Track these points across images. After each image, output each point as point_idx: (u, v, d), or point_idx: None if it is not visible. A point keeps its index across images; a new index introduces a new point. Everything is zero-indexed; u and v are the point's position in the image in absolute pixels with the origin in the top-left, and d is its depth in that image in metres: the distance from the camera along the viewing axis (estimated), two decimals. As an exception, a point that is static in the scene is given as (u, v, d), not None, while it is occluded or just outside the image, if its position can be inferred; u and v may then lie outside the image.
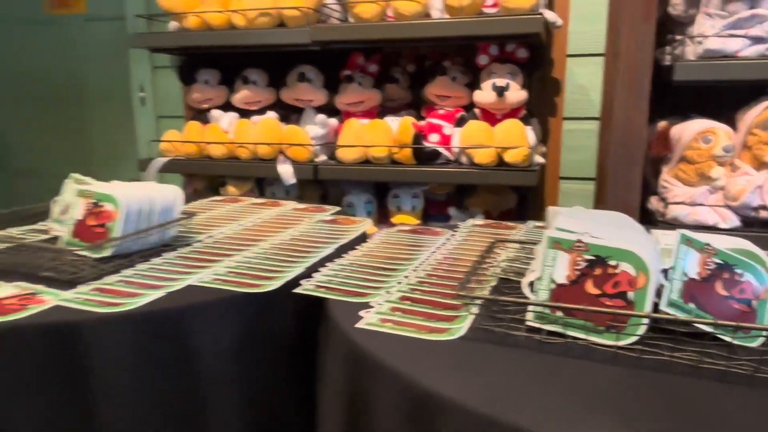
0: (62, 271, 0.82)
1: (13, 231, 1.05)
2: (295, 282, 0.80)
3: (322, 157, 1.65)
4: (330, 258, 0.91)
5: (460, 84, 1.60)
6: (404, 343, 0.62)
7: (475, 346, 0.61)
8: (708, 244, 0.65)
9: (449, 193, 1.73)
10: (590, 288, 0.63)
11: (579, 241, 0.64)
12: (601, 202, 1.55)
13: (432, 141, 1.55)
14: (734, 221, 1.22)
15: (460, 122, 1.53)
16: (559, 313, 0.63)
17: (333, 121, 1.69)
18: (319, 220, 1.16)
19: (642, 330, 0.61)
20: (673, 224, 1.26)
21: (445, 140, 1.55)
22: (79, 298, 0.73)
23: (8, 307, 0.70)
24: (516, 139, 1.43)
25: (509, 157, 1.42)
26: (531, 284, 0.66)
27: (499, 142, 1.44)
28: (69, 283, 0.78)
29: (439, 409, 0.51)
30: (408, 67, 1.80)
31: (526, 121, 1.50)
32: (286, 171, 1.61)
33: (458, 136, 1.50)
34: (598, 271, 0.63)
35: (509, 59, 1.52)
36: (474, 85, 1.57)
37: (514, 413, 0.48)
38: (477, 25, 1.40)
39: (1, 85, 2.62)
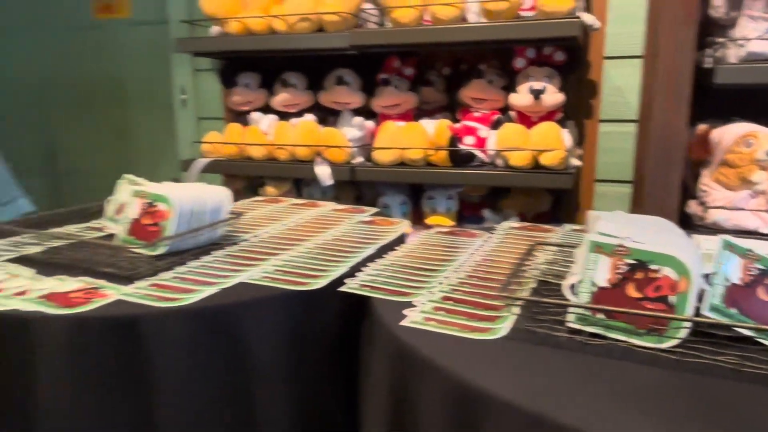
0: (120, 267, 0.86)
1: (71, 228, 1.11)
2: (339, 280, 0.83)
3: (359, 159, 1.69)
4: (371, 258, 0.94)
5: (496, 87, 1.61)
6: (448, 341, 0.64)
7: (518, 345, 0.63)
8: (750, 250, 0.66)
9: (483, 195, 1.75)
10: (631, 291, 0.64)
11: (620, 245, 0.65)
12: (638, 205, 1.55)
13: (467, 143, 1.57)
14: (776, 226, 1.21)
15: (495, 125, 1.54)
16: (601, 316, 0.64)
17: (370, 124, 1.72)
18: (358, 221, 1.20)
19: (683, 333, 0.62)
20: (712, 229, 1.25)
21: (481, 143, 1.56)
22: (139, 292, 0.77)
23: (75, 300, 0.75)
24: (552, 142, 1.44)
25: (545, 159, 1.42)
26: (572, 287, 0.67)
27: (535, 144, 1.45)
28: (127, 279, 0.82)
29: (484, 405, 0.54)
30: (443, 70, 1.82)
31: (562, 123, 1.51)
32: (323, 172, 1.65)
33: (494, 139, 1.52)
34: (639, 275, 0.64)
35: (546, 62, 1.53)
36: (510, 88, 1.59)
37: (560, 411, 0.50)
38: (514, 29, 1.41)
39: (49, 88, 2.74)
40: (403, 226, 1.15)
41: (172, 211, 0.91)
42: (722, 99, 1.34)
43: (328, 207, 1.34)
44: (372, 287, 0.80)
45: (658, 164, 1.26)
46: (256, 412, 0.78)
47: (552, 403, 0.51)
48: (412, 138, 1.59)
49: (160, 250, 0.92)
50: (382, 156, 1.61)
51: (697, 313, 0.63)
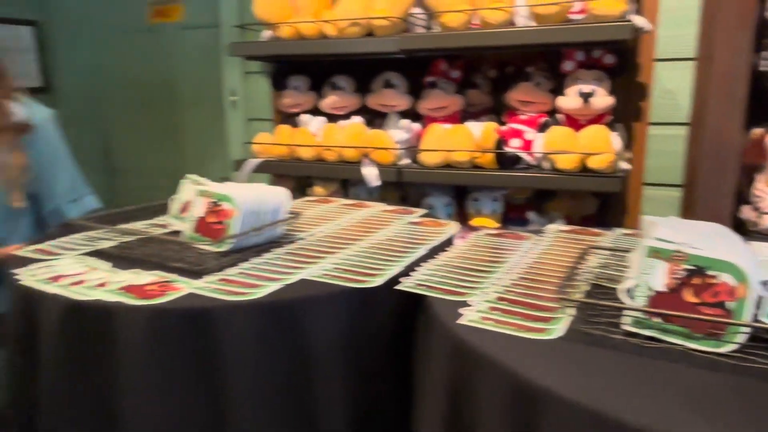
0: (189, 262, 0.92)
1: (138, 224, 1.17)
2: (394, 279, 0.86)
3: (405, 161, 1.72)
4: (424, 258, 0.97)
5: (543, 90, 1.62)
6: (506, 339, 0.67)
7: (574, 346, 0.65)
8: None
9: (528, 197, 1.75)
10: (689, 296, 0.65)
11: (678, 251, 0.66)
12: (689, 209, 1.53)
13: (513, 146, 1.58)
14: (835, 233, 1.19)
15: (543, 127, 1.55)
16: (657, 319, 0.66)
17: (416, 126, 1.75)
18: (407, 222, 1.23)
19: (741, 339, 0.63)
20: (767, 235, 1.23)
21: (527, 145, 1.57)
22: (209, 286, 0.82)
23: (151, 292, 0.80)
24: (601, 145, 1.44)
25: (593, 163, 1.42)
26: (628, 290, 0.69)
27: (584, 147, 1.45)
28: (196, 273, 0.88)
29: (546, 403, 0.56)
30: (489, 72, 1.83)
31: (611, 126, 1.51)
32: (371, 173, 1.69)
33: (541, 142, 1.53)
34: (697, 281, 0.65)
35: (595, 65, 1.53)
36: (557, 90, 1.59)
37: (621, 410, 0.52)
38: (564, 32, 1.42)
39: (106, 89, 2.87)
40: (453, 227, 1.18)
41: (236, 210, 0.96)
42: (779, 103, 1.32)
43: (377, 208, 1.38)
44: (427, 286, 0.83)
45: (711, 169, 1.25)
46: (316, 404, 0.82)
47: (613, 402, 0.53)
48: (459, 140, 1.61)
49: (225, 247, 0.97)
50: (428, 158, 1.64)
51: (755, 319, 0.64)
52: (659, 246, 0.67)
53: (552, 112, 1.60)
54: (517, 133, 1.59)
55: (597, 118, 1.52)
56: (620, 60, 1.54)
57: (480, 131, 1.61)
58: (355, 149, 1.72)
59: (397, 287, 0.84)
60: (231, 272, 0.88)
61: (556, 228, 1.17)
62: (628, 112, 1.70)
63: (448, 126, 1.67)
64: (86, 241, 1.04)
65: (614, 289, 0.79)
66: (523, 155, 1.56)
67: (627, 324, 0.67)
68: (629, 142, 1.71)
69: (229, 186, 1.04)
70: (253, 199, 0.99)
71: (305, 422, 0.82)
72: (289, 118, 1.98)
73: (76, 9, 2.81)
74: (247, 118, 2.42)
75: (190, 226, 1.01)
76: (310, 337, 0.80)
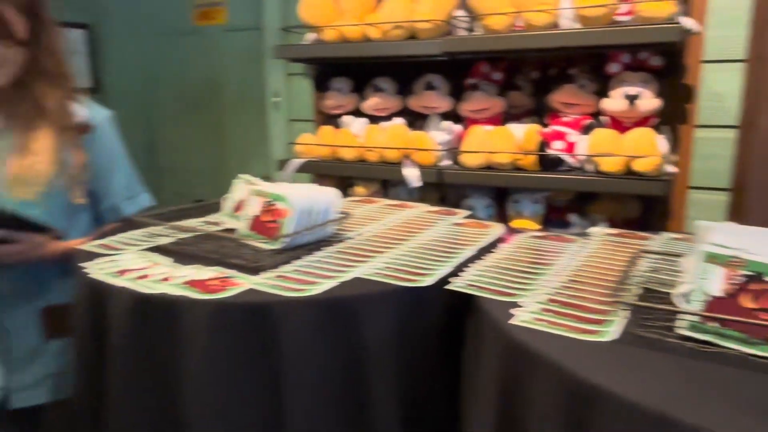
0: (246, 258, 0.96)
1: (192, 222, 1.22)
2: (443, 279, 0.88)
3: (446, 162, 1.73)
4: (471, 259, 0.99)
5: (587, 92, 1.61)
6: (559, 340, 0.68)
7: (629, 348, 0.66)
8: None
9: (569, 200, 1.75)
10: (746, 302, 0.66)
11: (735, 256, 0.67)
12: (738, 213, 1.50)
13: (556, 148, 1.58)
14: None
15: (587, 130, 1.55)
16: (714, 324, 0.66)
17: (458, 128, 1.76)
18: (452, 223, 1.24)
19: (801, 345, 0.63)
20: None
21: (570, 147, 1.57)
22: (267, 282, 0.86)
23: (213, 287, 0.84)
24: (647, 148, 1.43)
25: (639, 166, 1.42)
26: (684, 295, 0.69)
27: (629, 150, 1.44)
28: (253, 270, 0.91)
29: (604, 404, 0.57)
30: (531, 74, 1.83)
31: (657, 129, 1.49)
32: (412, 174, 1.71)
33: (585, 144, 1.52)
34: (755, 287, 0.65)
35: (642, 67, 1.52)
36: (601, 92, 1.58)
37: (683, 412, 0.52)
38: (611, 34, 1.41)
39: (152, 89, 2.96)
40: (498, 229, 1.19)
41: (290, 210, 1.00)
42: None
43: (420, 208, 1.40)
44: (478, 287, 0.85)
45: (764, 172, 1.23)
46: (368, 400, 0.84)
47: (673, 404, 0.54)
48: (500, 142, 1.62)
49: (279, 245, 1.00)
50: (469, 159, 1.65)
51: (816, 327, 0.63)
52: (716, 251, 0.68)
53: (596, 114, 1.60)
54: (560, 135, 1.59)
55: (642, 121, 1.51)
56: (667, 62, 1.53)
57: (522, 133, 1.62)
58: (396, 150, 1.74)
59: (448, 287, 0.86)
60: (287, 269, 0.92)
61: (602, 231, 1.17)
62: (673, 114, 1.68)
63: (489, 128, 1.68)
64: (146, 238, 1.09)
65: (666, 293, 0.80)
66: (566, 157, 1.55)
67: (682, 328, 0.68)
68: (675, 145, 1.69)
69: (282, 186, 1.08)
70: (307, 199, 1.02)
71: (358, 418, 0.84)
72: (331, 120, 2.01)
73: (125, 12, 2.91)
74: (289, 119, 2.47)
75: (245, 224, 1.05)
76: (365, 333, 0.82)
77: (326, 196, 1.07)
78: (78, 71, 2.84)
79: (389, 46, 1.70)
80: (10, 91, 1.17)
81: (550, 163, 1.56)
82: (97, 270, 0.92)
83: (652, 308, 0.72)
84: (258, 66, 2.51)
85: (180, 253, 1.00)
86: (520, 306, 0.78)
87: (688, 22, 1.44)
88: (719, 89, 1.66)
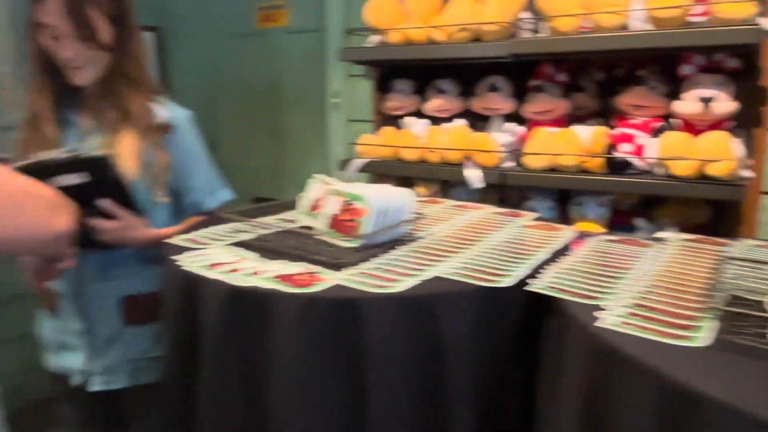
0: (328, 255, 0.99)
1: (270, 219, 1.27)
2: (521, 280, 0.90)
3: (508, 164, 1.74)
4: (546, 261, 0.99)
5: (658, 94, 1.58)
6: (650, 344, 0.68)
7: (721, 353, 0.66)
8: None
9: (635, 203, 1.72)
10: None
11: (837, 264, 0.66)
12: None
13: (623, 151, 1.56)
14: None
15: (658, 132, 1.52)
16: (813, 333, 0.65)
17: (521, 129, 1.76)
18: (522, 225, 1.25)
19: None
20: None
21: (638, 150, 1.55)
22: (352, 278, 0.89)
23: (301, 282, 0.88)
24: (721, 152, 1.39)
25: (713, 170, 1.38)
26: (778, 302, 0.68)
27: (702, 154, 1.41)
28: (336, 266, 0.95)
29: (699, 407, 0.58)
30: (597, 75, 1.81)
31: (732, 132, 1.45)
32: (474, 175, 1.72)
33: (655, 147, 1.50)
34: None
35: (717, 69, 1.48)
36: (673, 95, 1.55)
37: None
38: (685, 36, 1.39)
39: (216, 90, 3.07)
40: (569, 231, 1.19)
41: (369, 209, 1.03)
42: None
43: (487, 210, 1.41)
44: (559, 289, 0.86)
45: None
46: (445, 398, 0.86)
47: (775, 409, 0.54)
48: (565, 144, 1.61)
49: (357, 243, 1.04)
50: (533, 161, 1.65)
51: None
52: (816, 259, 0.67)
53: (666, 116, 1.57)
54: (628, 138, 1.57)
55: (716, 124, 1.48)
56: (743, 64, 1.48)
57: (588, 135, 1.60)
58: (458, 151, 1.76)
59: (528, 288, 0.88)
60: (368, 266, 0.95)
61: (677, 236, 1.15)
62: (749, 117, 1.63)
63: (554, 129, 1.67)
64: (229, 233, 1.15)
65: (756, 300, 0.79)
66: (635, 160, 1.53)
67: (778, 336, 0.67)
68: (750, 149, 1.64)
69: (359, 186, 1.11)
70: (384, 199, 1.05)
71: (435, 414, 0.87)
72: (391, 120, 2.04)
73: (191, 15, 3.03)
74: (348, 119, 2.52)
75: (324, 223, 1.09)
76: (446, 331, 0.85)
77: (402, 197, 1.10)
78: (148, 73, 2.97)
79: (454, 49, 1.72)
80: (96, 94, 1.24)
81: (617, 166, 1.55)
82: (189, 262, 0.97)
83: (748, 315, 0.72)
84: (318, 67, 2.56)
85: (264, 248, 1.05)
86: (604, 309, 0.79)
87: (766, 23, 1.40)
88: (798, 91, 1.59)
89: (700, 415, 0.58)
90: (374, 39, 1.94)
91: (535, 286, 0.87)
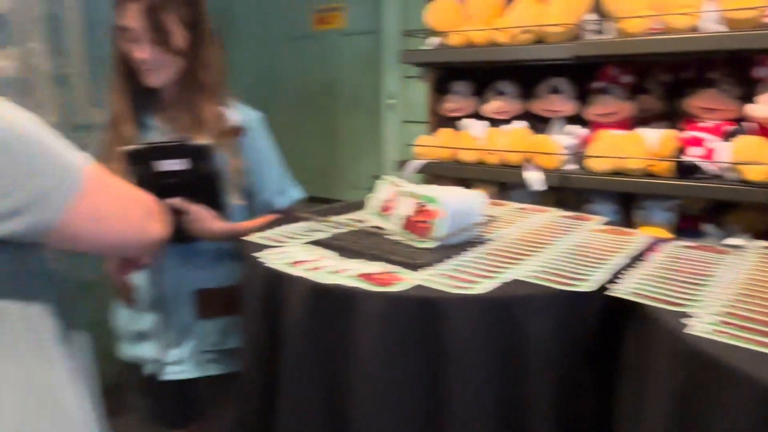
0: (404, 255, 1.01)
1: (340, 218, 1.30)
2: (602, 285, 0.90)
3: (570, 167, 1.72)
4: (625, 266, 0.99)
5: (730, 97, 1.54)
6: (749, 353, 0.67)
7: (825, 366, 0.65)
8: None
9: (702, 208, 1.68)
10: None
11: None
12: None
13: (693, 154, 1.53)
14: None
15: (730, 136, 1.48)
16: None
17: (583, 131, 1.74)
18: (592, 230, 1.24)
19: None
20: None
21: (709, 154, 1.51)
22: (431, 279, 0.91)
23: (383, 280, 0.90)
24: (799, 157, 1.35)
25: (791, 176, 1.34)
26: None
27: (779, 159, 1.37)
28: (413, 266, 0.96)
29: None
30: (662, 77, 1.78)
31: (812, 137, 1.41)
32: (535, 177, 1.71)
33: (728, 151, 1.46)
34: None
35: (795, 71, 1.44)
36: (745, 98, 1.51)
37: None
38: (761, 38, 1.34)
39: (272, 92, 3.14)
40: (641, 236, 1.18)
41: (443, 211, 1.05)
42: None
43: (552, 213, 1.40)
44: (643, 295, 0.86)
45: None
46: (524, 401, 0.87)
47: None
48: (631, 147, 1.59)
49: (430, 245, 1.05)
50: (597, 164, 1.63)
51: None
52: None
53: (738, 120, 1.53)
54: (698, 141, 1.54)
55: (794, 128, 1.43)
56: (824, 65, 1.43)
57: (656, 138, 1.58)
58: (517, 153, 1.75)
59: (609, 293, 0.87)
60: (444, 267, 0.96)
61: (757, 244, 1.12)
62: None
63: (619, 132, 1.65)
64: (304, 232, 1.18)
65: None
66: (705, 164, 1.50)
67: None
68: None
69: (432, 188, 1.13)
70: (458, 201, 1.07)
71: (513, 416, 0.87)
72: (448, 122, 2.05)
73: (249, 18, 3.10)
74: (402, 121, 2.54)
75: (397, 223, 1.11)
76: (526, 334, 0.85)
77: (473, 199, 1.11)
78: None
79: (517, 51, 1.71)
80: (170, 98, 1.30)
81: (686, 170, 1.51)
82: (272, 259, 1.01)
83: None
84: (373, 69, 2.59)
85: (341, 248, 1.07)
86: (691, 316, 0.78)
87: None
88: None
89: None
90: (433, 41, 1.95)
91: (619, 291, 0.87)
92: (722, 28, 1.44)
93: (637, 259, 1.04)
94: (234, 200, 1.31)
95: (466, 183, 2.01)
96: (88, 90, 2.40)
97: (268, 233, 1.18)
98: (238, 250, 1.16)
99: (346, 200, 1.41)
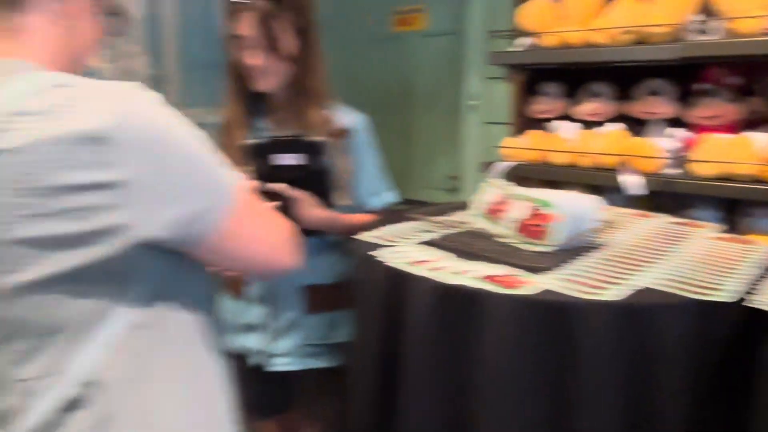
0: (523, 258, 1.02)
1: (440, 219, 1.31)
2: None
3: (671, 170, 1.67)
4: (758, 276, 0.95)
5: None
6: None
7: None
8: None
9: (816, 217, 1.59)
10: None
11: None
12: None
13: (809, 160, 1.45)
14: None
15: None
16: None
17: (686, 135, 1.69)
18: (708, 237, 1.20)
19: None
20: None
21: (828, 160, 1.43)
22: (556, 283, 0.90)
23: (508, 282, 0.91)
24: None
25: None
26: None
27: None
28: (533, 270, 0.96)
29: None
30: (772, 78, 1.69)
31: None
32: (633, 181, 1.67)
33: None
34: None
35: None
36: None
37: None
38: None
39: (351, 93, 3.18)
40: (765, 245, 1.13)
41: (561, 215, 1.04)
42: None
43: (661, 219, 1.37)
44: (786, 307, 0.83)
45: None
46: (653, 411, 0.85)
47: None
48: (739, 151, 1.52)
49: (547, 248, 1.05)
50: (702, 169, 1.58)
51: None
52: None
53: None
54: (816, 147, 1.46)
55: None
56: None
57: (765, 142, 1.51)
58: (612, 156, 1.71)
59: (748, 304, 0.85)
60: (565, 272, 0.96)
61: None
62: None
63: (727, 136, 1.58)
64: (414, 232, 1.20)
65: None
66: (824, 171, 1.42)
67: None
68: None
69: (545, 192, 1.12)
70: (575, 205, 1.06)
71: (641, 427, 0.86)
72: (535, 123, 2.02)
73: (330, 20, 3.16)
74: (482, 122, 2.53)
75: (511, 227, 1.11)
76: (659, 342, 0.84)
77: (589, 203, 1.10)
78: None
79: (618, 52, 1.67)
80: (279, 103, 1.35)
81: (802, 177, 1.44)
82: (390, 259, 1.03)
83: None
84: (454, 70, 2.59)
85: (455, 249, 1.08)
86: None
87: None
88: None
89: None
90: (524, 42, 1.93)
91: (760, 302, 0.84)
92: None
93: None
94: (341, 200, 1.34)
95: (555, 185, 1.98)
96: (182, 91, 2.52)
97: (378, 233, 1.20)
98: (343, 245, 1.18)
99: (425, 201, 1.41)
